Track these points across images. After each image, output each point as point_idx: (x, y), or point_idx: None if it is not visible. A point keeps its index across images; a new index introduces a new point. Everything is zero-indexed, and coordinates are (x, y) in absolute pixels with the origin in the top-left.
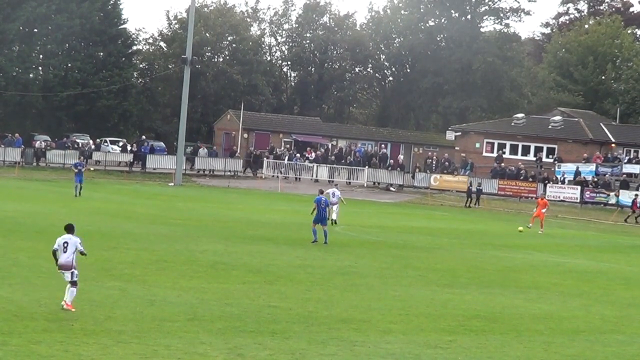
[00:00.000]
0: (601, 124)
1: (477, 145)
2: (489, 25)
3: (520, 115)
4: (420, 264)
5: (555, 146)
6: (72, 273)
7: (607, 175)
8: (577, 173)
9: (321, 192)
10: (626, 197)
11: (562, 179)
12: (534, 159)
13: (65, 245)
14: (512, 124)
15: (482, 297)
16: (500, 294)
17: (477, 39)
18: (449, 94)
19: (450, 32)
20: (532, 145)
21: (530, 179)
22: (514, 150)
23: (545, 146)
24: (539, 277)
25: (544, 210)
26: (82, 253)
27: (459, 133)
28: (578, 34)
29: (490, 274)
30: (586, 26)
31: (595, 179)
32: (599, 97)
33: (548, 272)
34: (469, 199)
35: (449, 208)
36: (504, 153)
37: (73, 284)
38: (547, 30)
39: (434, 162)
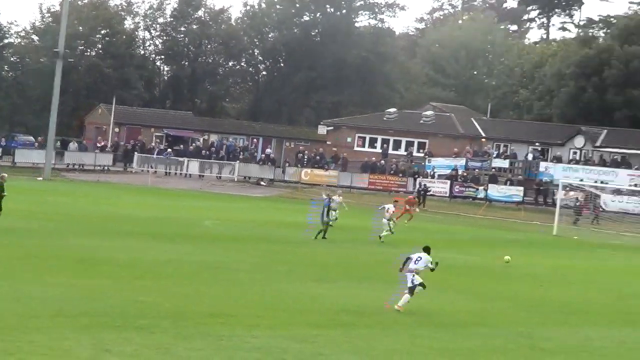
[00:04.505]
0: (472, 119)
1: (349, 139)
2: (363, 21)
3: (392, 110)
4: (290, 259)
5: (427, 141)
6: None
7: (476, 170)
8: (449, 167)
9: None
10: (495, 191)
11: (432, 173)
12: (405, 153)
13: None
14: (384, 118)
15: (351, 291)
16: (369, 288)
17: (351, 34)
18: (322, 89)
19: (325, 27)
20: (404, 140)
21: (401, 174)
22: (385, 144)
23: (416, 141)
24: None
25: (408, 207)
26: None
27: (331, 127)
28: (451, 30)
29: (360, 268)
30: (460, 22)
31: (465, 173)
32: (470, 92)
33: None
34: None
35: (320, 202)
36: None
37: None
38: (421, 26)
39: (305, 157)
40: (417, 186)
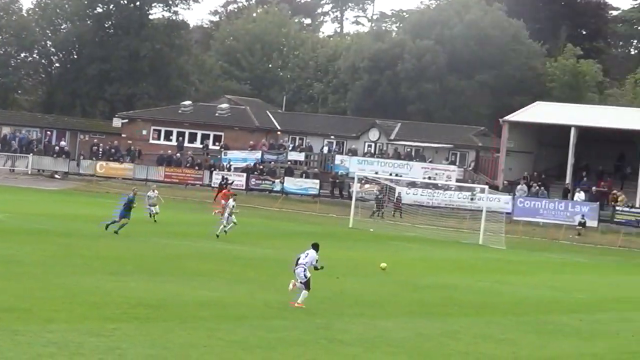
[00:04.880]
0: (267, 112)
1: (144, 132)
2: (157, 13)
3: (187, 102)
4: (85, 252)
5: (222, 134)
6: None
7: (272, 163)
8: (245, 160)
9: None
10: (291, 184)
11: (228, 166)
12: (201, 146)
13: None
14: (180, 111)
15: (147, 285)
16: (166, 282)
17: (145, 26)
18: (117, 81)
19: (119, 19)
20: (199, 133)
21: (197, 167)
22: (181, 137)
23: (212, 133)
24: (205, 264)
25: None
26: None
27: (126, 120)
28: (246, 22)
29: (156, 262)
30: (254, 15)
31: (261, 166)
32: (265, 85)
33: (214, 259)
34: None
35: (115, 195)
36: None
37: None
38: (216, 18)
39: (100, 150)
40: (221, 179)
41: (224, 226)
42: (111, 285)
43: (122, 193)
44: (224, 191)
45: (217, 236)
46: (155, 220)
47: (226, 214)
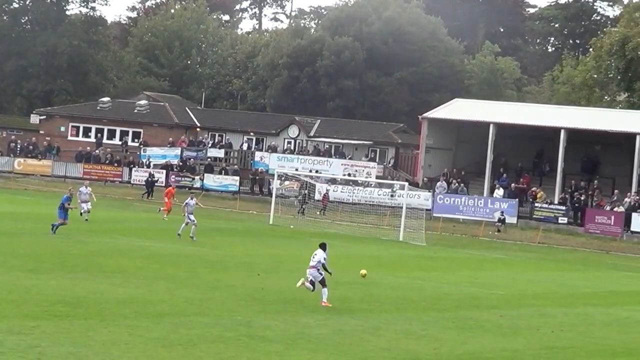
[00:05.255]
0: (187, 109)
1: (62, 129)
2: (74, 9)
3: (105, 99)
4: (3, 249)
5: (141, 130)
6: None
7: (192, 159)
8: (164, 157)
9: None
10: (211, 180)
11: (147, 162)
12: (120, 142)
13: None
14: (98, 107)
15: (67, 282)
16: (85, 279)
17: (62, 22)
18: (34, 77)
19: (35, 15)
20: (118, 129)
21: (116, 163)
22: (99, 134)
23: (131, 130)
24: (125, 261)
25: (166, 199)
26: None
27: (44, 117)
28: (164, 19)
29: (75, 259)
30: (172, 11)
31: (181, 163)
32: (184, 82)
33: (133, 256)
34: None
35: (34, 192)
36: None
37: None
38: (134, 15)
39: (18, 146)
40: (147, 177)
41: (191, 227)
42: (30, 282)
43: (40, 190)
44: (169, 189)
45: (179, 235)
46: (86, 219)
47: (186, 213)
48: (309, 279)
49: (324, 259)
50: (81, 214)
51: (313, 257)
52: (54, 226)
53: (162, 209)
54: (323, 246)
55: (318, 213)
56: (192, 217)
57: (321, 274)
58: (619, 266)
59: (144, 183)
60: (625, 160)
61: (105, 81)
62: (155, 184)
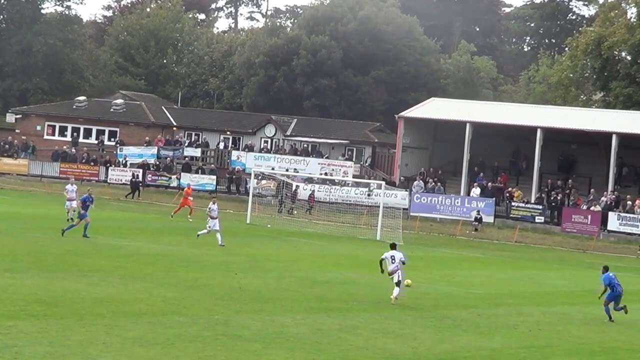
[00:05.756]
0: (163, 108)
1: (38, 128)
2: (50, 7)
3: (82, 98)
4: None
5: (117, 129)
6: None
7: (168, 159)
8: (140, 156)
9: None
10: (187, 179)
11: (124, 161)
12: (96, 142)
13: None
14: (74, 107)
15: (43, 282)
16: (62, 278)
17: (37, 20)
18: (9, 76)
19: (10, 13)
20: (94, 129)
21: (92, 162)
22: (76, 133)
23: (107, 129)
24: (101, 260)
25: (190, 198)
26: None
27: (20, 116)
28: (140, 18)
29: (52, 258)
30: (148, 10)
31: (157, 162)
32: (160, 81)
33: (110, 255)
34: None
35: (10, 192)
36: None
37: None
38: (109, 13)
39: None
40: (132, 177)
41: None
42: (6, 282)
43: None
44: (188, 189)
45: (223, 245)
46: (71, 219)
47: (209, 219)
48: (396, 280)
49: (404, 256)
50: (68, 212)
51: (392, 259)
52: (67, 229)
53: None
54: (394, 246)
55: (306, 213)
56: (213, 223)
57: (403, 275)
58: (596, 265)
59: (127, 183)
60: (601, 160)
61: (81, 80)
62: (140, 184)
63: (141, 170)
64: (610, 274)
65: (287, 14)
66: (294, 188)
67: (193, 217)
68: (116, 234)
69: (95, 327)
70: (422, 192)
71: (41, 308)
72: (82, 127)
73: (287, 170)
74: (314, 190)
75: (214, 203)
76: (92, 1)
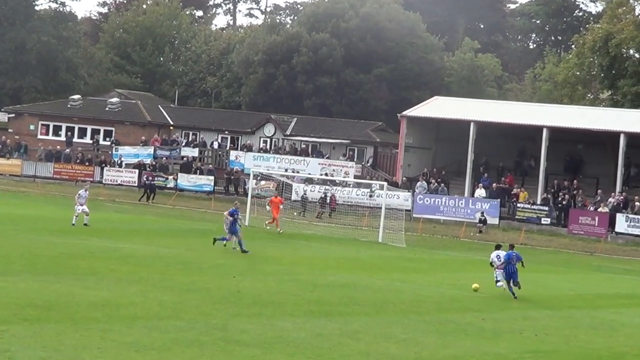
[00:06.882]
0: (160, 107)
1: (32, 127)
2: (44, 4)
3: (76, 96)
4: None
5: (113, 129)
6: None
7: (165, 159)
8: (137, 156)
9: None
10: (185, 180)
11: (119, 162)
12: (91, 141)
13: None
14: (69, 105)
15: (37, 285)
16: (56, 281)
17: (31, 17)
18: (2, 74)
19: (4, 10)
20: (89, 128)
21: (87, 162)
22: (70, 132)
23: (102, 128)
24: (96, 263)
25: (281, 207)
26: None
27: (13, 115)
28: (136, 14)
29: (46, 261)
30: (144, 6)
31: (154, 162)
32: (157, 79)
33: (105, 258)
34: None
35: (2, 192)
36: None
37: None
38: (105, 10)
39: None
40: (144, 179)
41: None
42: None
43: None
44: (276, 199)
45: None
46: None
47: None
48: (499, 283)
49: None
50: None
51: (498, 257)
52: (218, 239)
53: (267, 222)
54: (499, 247)
55: (329, 216)
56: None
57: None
58: (604, 268)
59: (133, 185)
60: (609, 160)
61: (76, 78)
62: (155, 186)
63: (137, 171)
64: (513, 253)
65: (287, 11)
66: (328, 194)
67: (271, 226)
68: (112, 236)
69: (89, 332)
70: (425, 193)
71: (34, 312)
72: (76, 127)
73: (286, 170)
74: (333, 194)
75: (85, 190)
76: None
